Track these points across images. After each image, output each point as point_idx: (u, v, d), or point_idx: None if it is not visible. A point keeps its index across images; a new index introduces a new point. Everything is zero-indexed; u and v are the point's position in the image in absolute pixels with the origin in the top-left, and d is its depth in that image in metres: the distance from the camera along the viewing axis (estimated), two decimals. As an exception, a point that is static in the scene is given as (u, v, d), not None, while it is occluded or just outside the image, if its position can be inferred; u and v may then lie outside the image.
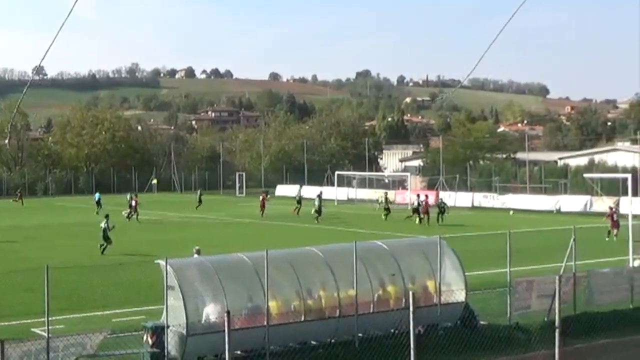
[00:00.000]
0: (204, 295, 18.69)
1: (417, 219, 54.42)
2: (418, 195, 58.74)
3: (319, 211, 56.78)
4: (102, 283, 26.40)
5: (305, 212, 58.88)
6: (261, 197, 63.67)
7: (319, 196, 58.98)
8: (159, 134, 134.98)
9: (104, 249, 38.44)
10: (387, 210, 58.44)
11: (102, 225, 39.25)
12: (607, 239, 43.27)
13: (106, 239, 38.68)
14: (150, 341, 17.64)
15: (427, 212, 54.78)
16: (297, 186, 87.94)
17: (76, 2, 13.25)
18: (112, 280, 26.63)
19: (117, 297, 25.64)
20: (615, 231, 43.89)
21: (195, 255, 24.07)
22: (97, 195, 69.18)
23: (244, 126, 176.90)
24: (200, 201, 69.43)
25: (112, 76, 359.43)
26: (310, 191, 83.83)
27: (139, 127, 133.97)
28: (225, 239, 45.27)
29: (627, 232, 27.11)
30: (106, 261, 33.43)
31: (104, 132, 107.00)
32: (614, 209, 46.51)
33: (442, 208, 55.17)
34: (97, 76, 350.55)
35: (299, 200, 63.82)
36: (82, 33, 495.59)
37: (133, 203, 58.85)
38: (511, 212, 61.73)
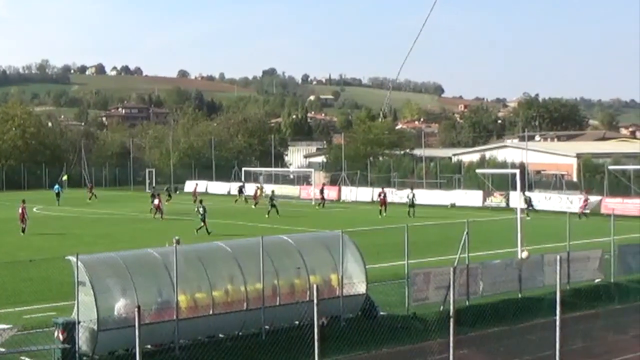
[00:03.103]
0: (114, 290, 18.43)
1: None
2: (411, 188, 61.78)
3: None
4: (13, 280, 25.68)
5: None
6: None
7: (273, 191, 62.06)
8: (70, 130, 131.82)
9: (207, 230, 43.46)
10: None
11: (200, 210, 44.71)
12: (582, 219, 47.95)
13: (203, 221, 44.04)
14: (61, 337, 17.26)
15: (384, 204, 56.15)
16: (205, 182, 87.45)
17: None
18: (23, 276, 25.92)
19: (28, 294, 24.99)
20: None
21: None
22: (56, 187, 70.30)
23: (153, 122, 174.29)
24: (169, 196, 70.84)
25: (22, 72, 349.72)
26: (218, 187, 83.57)
27: (50, 124, 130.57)
28: (135, 235, 44.65)
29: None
30: (16, 258, 32.50)
31: (14, 129, 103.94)
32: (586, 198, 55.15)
33: (529, 203, 55.45)
34: (7, 72, 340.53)
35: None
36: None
37: (156, 202, 56.04)
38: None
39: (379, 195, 58.57)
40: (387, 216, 53.52)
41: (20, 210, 46.04)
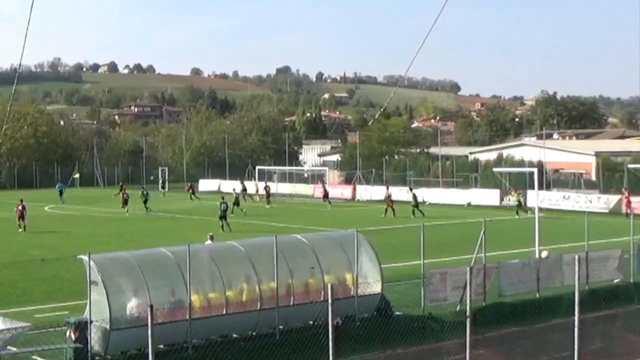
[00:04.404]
0: (127, 289, 18.45)
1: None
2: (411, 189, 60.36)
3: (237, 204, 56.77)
4: (24, 279, 25.81)
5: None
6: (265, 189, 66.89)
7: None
8: (82, 129, 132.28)
9: (223, 227, 44.33)
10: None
11: (222, 207, 45.60)
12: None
13: (224, 217, 45.24)
14: (73, 336, 17.31)
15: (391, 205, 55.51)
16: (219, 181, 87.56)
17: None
18: (35, 276, 26.05)
19: (39, 293, 25.09)
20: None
21: (209, 242, 25.34)
22: (59, 185, 72.31)
23: (166, 121, 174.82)
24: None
25: (34, 70, 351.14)
26: (231, 186, 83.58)
27: (62, 122, 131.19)
28: (147, 234, 44.77)
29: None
30: (27, 256, 32.66)
31: (26, 127, 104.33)
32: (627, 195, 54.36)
33: (520, 203, 56.18)
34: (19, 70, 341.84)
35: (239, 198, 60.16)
36: (4, 27, 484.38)
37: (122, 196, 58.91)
38: (426, 204, 62.38)
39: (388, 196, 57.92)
40: (398, 217, 53.10)
41: (19, 208, 46.27)
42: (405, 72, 54.39)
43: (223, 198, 47.48)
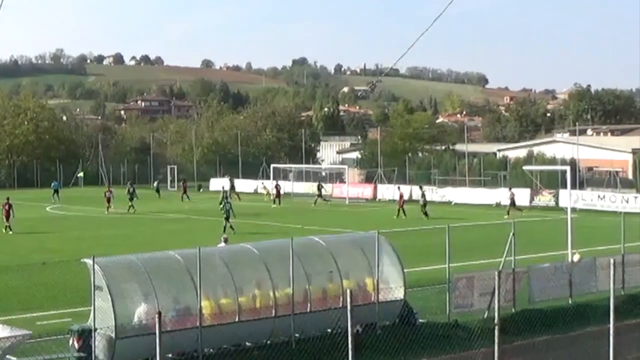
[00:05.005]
0: (133, 295, 18.49)
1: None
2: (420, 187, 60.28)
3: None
4: (26, 284, 25.92)
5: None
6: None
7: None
8: (86, 124, 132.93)
9: (231, 227, 44.02)
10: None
11: (226, 207, 45.74)
12: None
13: (227, 219, 44.92)
14: (76, 345, 17.39)
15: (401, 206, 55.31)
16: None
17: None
18: (37, 280, 26.15)
19: (42, 299, 25.18)
20: None
21: (222, 244, 25.50)
22: (54, 184, 72.92)
23: (175, 116, 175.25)
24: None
25: (35, 62, 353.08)
26: (244, 185, 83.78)
27: (64, 117, 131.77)
28: (155, 236, 44.88)
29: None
30: (29, 260, 32.85)
31: (26, 123, 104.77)
32: None
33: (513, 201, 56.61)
34: (20, 62, 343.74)
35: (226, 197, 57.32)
36: (4, 17, 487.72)
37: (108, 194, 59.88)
38: (452, 204, 62.41)
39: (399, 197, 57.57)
40: (412, 218, 52.98)
41: (5, 208, 46.48)
42: (393, 65, 54.52)
43: (227, 198, 47.69)
